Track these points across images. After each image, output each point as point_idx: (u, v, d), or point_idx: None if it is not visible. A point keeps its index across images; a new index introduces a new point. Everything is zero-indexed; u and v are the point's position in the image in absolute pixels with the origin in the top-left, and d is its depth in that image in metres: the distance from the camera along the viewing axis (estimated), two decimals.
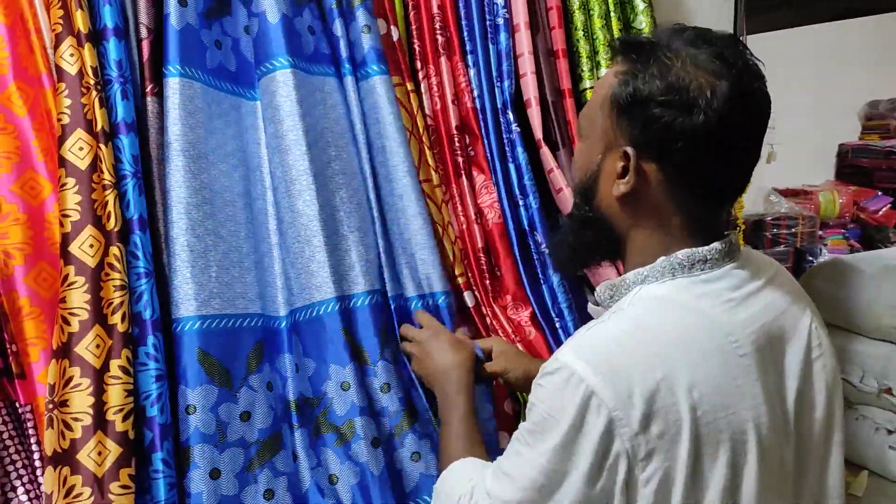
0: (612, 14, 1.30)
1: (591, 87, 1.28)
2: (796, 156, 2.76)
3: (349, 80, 1.09)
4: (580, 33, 1.28)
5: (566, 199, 1.19)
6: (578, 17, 1.28)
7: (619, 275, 0.74)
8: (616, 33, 1.30)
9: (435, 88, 1.19)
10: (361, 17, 1.10)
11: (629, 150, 0.67)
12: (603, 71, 1.28)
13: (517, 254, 1.17)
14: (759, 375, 0.65)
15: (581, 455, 0.61)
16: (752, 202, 2.90)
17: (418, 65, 1.20)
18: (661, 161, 0.66)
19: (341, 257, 1.01)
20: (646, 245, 0.70)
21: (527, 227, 1.19)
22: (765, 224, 2.78)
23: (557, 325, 1.14)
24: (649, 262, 0.69)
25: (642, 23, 1.34)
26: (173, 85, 0.97)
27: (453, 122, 1.18)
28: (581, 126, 0.76)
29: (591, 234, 0.75)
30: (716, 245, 0.68)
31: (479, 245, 1.17)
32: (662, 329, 0.64)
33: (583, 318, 1.15)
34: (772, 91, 0.68)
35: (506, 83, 1.20)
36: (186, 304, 0.92)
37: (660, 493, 0.61)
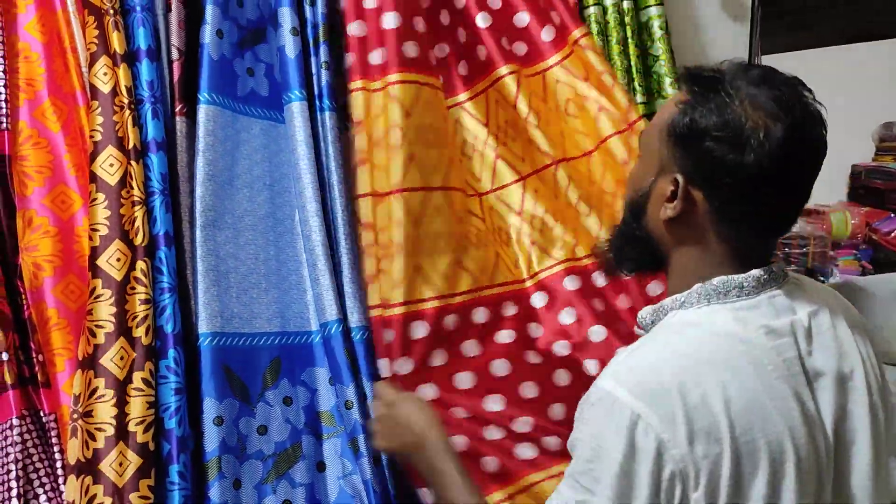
0: (630, 40, 1.32)
1: None
2: None
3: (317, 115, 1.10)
4: None
5: None
6: (597, 43, 1.29)
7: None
8: (634, 59, 1.32)
9: None
10: (322, 52, 1.11)
11: (679, 177, 0.69)
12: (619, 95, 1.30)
13: None
14: (794, 399, 0.66)
15: (640, 481, 0.62)
16: None
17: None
18: (709, 192, 0.68)
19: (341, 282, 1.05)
20: (686, 269, 0.72)
21: None
22: (776, 243, 2.77)
23: None
24: (688, 286, 0.70)
25: (659, 49, 1.36)
26: (205, 113, 1.01)
27: None
28: (640, 145, 0.78)
29: (637, 250, 0.77)
30: (753, 273, 0.69)
31: None
32: (694, 352, 0.66)
33: None
34: None
35: None
36: (212, 321, 0.95)
37: None
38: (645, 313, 0.75)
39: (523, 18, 1.21)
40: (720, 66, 0.70)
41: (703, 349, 0.66)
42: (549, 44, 1.21)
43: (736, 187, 0.66)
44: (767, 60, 1.87)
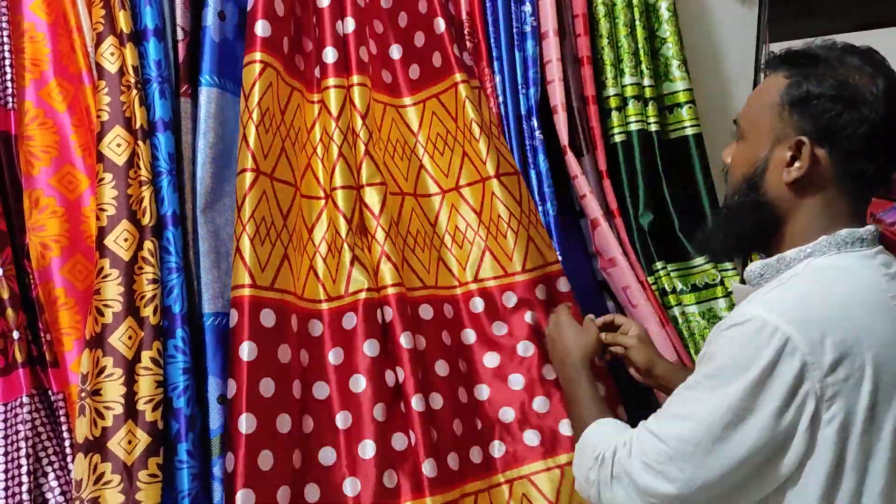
0: (638, 22, 1.31)
1: (615, 95, 1.28)
2: None
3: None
4: (605, 41, 1.29)
5: (590, 205, 1.20)
6: (604, 25, 1.29)
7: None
8: (641, 42, 1.31)
9: None
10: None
11: (804, 138, 0.77)
12: (627, 79, 1.30)
13: None
14: None
15: (771, 394, 0.70)
16: None
17: None
18: (830, 150, 0.77)
19: None
20: (808, 225, 0.79)
21: None
22: None
23: None
24: (810, 240, 0.78)
25: (667, 31, 1.35)
26: (208, 95, 1.00)
27: None
28: (743, 129, 0.85)
29: (756, 217, 0.83)
30: (869, 227, 0.79)
31: None
32: (839, 290, 0.75)
33: None
34: None
35: (531, 90, 1.21)
36: (214, 301, 0.96)
37: (840, 433, 0.70)
38: (754, 267, 0.82)
39: (394, 52, 1.20)
40: (807, 46, 0.81)
41: (846, 289, 0.75)
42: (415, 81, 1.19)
43: (853, 141, 0.75)
44: (776, 47, 1.85)
